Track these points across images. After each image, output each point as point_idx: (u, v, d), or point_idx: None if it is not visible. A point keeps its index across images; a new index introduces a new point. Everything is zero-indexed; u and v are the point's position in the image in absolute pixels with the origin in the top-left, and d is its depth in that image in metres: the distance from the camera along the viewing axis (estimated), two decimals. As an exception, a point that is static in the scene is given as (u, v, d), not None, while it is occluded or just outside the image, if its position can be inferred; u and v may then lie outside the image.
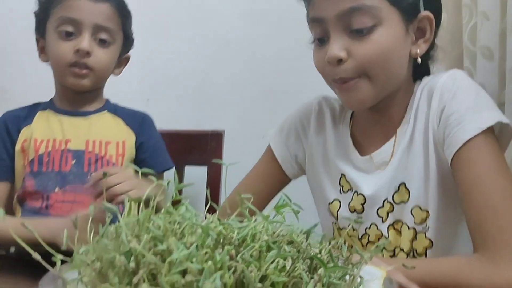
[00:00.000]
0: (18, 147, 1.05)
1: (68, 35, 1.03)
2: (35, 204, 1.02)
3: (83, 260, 0.43)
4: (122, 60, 1.14)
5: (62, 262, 0.46)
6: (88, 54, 1.02)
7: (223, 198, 1.24)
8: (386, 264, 0.56)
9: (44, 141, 1.05)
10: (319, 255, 0.47)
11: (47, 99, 1.16)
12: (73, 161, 1.04)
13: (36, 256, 0.45)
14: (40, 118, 1.09)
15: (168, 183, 0.49)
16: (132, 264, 0.42)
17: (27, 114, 1.10)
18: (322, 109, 0.91)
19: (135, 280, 0.40)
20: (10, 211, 1.18)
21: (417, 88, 0.79)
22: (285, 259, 0.44)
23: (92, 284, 0.44)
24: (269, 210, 0.50)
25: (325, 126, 0.89)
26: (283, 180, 0.94)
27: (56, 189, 1.02)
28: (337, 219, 0.84)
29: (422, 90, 0.78)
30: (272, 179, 0.93)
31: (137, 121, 1.13)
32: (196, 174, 1.31)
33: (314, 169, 0.90)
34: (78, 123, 1.08)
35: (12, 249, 0.82)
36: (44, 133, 1.06)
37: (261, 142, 1.00)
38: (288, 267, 0.42)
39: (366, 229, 0.80)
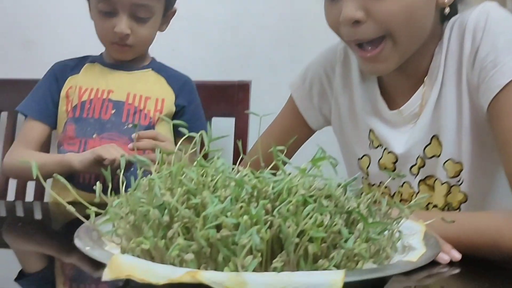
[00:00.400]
0: (63, 93, 1.10)
1: (107, 14, 1.03)
2: (73, 149, 1.06)
3: (117, 213, 0.43)
4: (168, 15, 1.13)
5: (96, 214, 0.46)
6: (127, 35, 1.04)
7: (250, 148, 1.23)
8: (424, 218, 0.54)
9: (88, 89, 1.09)
10: (357, 209, 0.46)
11: (75, 51, 1.17)
12: (113, 111, 1.08)
13: (70, 208, 0.45)
14: (88, 69, 1.13)
15: (200, 135, 0.48)
16: (166, 218, 0.41)
17: (76, 64, 1.14)
18: (348, 56, 0.83)
19: (169, 234, 0.40)
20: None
21: (446, 30, 0.71)
22: (322, 213, 0.42)
23: (126, 237, 0.44)
24: (305, 162, 0.48)
25: (351, 76, 0.82)
26: (307, 132, 0.89)
27: (94, 136, 1.06)
28: (368, 175, 0.81)
29: (451, 31, 0.71)
30: (296, 131, 0.87)
31: (179, 83, 1.15)
32: (223, 126, 1.29)
33: (341, 123, 0.84)
34: (122, 77, 1.12)
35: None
36: (89, 82, 1.10)
37: (289, 92, 0.96)
38: (326, 222, 0.41)
39: (398, 187, 0.77)
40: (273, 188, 0.44)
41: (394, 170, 0.76)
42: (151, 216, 0.41)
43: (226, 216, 0.40)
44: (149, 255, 0.41)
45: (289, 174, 0.51)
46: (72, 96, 1.09)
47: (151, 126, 1.09)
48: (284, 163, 0.51)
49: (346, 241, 0.40)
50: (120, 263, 0.36)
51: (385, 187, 0.78)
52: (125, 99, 1.09)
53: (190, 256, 0.37)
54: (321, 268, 0.39)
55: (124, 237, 0.44)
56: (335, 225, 0.41)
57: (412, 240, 0.48)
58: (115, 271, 0.35)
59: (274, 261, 0.37)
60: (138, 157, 0.41)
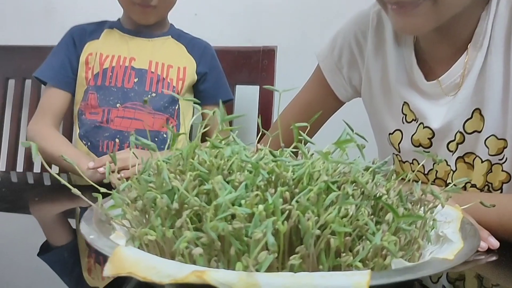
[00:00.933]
0: (82, 59, 1.08)
1: None
2: (96, 118, 1.05)
3: (122, 198, 0.40)
4: None
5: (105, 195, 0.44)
6: None
7: (275, 118, 1.18)
8: (462, 201, 0.49)
9: (110, 56, 1.07)
10: (386, 196, 0.41)
11: (95, 17, 1.14)
12: (136, 79, 1.06)
13: (75, 191, 0.43)
14: (107, 35, 1.10)
15: (214, 113, 0.44)
16: (176, 205, 0.38)
17: (94, 29, 1.11)
18: (382, 22, 0.75)
19: (178, 224, 0.36)
20: (70, 124, 1.21)
21: None
22: (346, 204, 0.38)
23: (135, 222, 0.41)
24: (327, 143, 0.44)
25: (385, 43, 0.74)
26: (336, 104, 0.84)
27: (118, 105, 1.04)
28: (399, 151, 0.75)
29: None
30: (323, 103, 0.82)
31: (199, 50, 1.12)
32: (248, 94, 1.25)
33: (371, 94, 0.78)
34: (143, 44, 1.09)
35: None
36: (110, 49, 1.08)
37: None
38: (351, 213, 0.37)
39: (433, 164, 0.71)
40: (293, 173, 0.39)
41: (430, 146, 0.70)
42: (158, 203, 0.37)
43: (240, 205, 0.37)
44: (158, 245, 0.38)
45: (312, 155, 0.46)
46: (92, 63, 1.07)
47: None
48: (306, 143, 0.47)
49: (373, 233, 0.36)
50: (123, 257, 0.33)
51: (418, 163, 0.72)
52: (148, 67, 1.06)
53: (198, 251, 0.34)
54: (345, 264, 0.35)
55: (133, 222, 0.42)
56: (361, 214, 0.37)
57: (447, 229, 0.43)
58: (116, 267, 0.32)
59: (291, 257, 0.34)
60: (143, 140, 0.38)
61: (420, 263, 0.35)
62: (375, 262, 0.36)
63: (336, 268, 0.36)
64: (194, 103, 0.48)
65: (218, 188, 0.37)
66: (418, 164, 0.72)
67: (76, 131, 1.08)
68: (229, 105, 1.21)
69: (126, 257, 0.33)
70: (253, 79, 1.22)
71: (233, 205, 0.37)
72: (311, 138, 0.82)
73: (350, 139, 0.37)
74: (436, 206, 0.41)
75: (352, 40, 0.79)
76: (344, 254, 0.36)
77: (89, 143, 1.06)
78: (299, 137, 0.46)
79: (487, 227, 0.55)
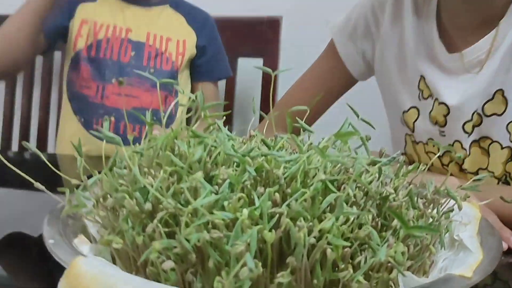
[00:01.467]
0: (77, 22, 1.00)
1: None
2: (89, 93, 1.00)
3: (86, 197, 0.35)
4: None
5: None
6: None
7: (279, 96, 1.12)
8: (480, 195, 0.44)
9: (104, 26, 1.00)
10: (394, 196, 0.35)
11: None
12: (133, 53, 1.00)
13: (38, 185, 0.37)
14: (103, 0, 1.02)
15: (195, 98, 0.38)
16: (149, 205, 0.33)
17: None
18: None
19: (149, 229, 0.31)
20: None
21: None
22: (346, 202, 0.33)
23: (105, 223, 0.36)
24: (330, 128, 0.38)
25: (403, 16, 0.70)
26: (348, 81, 0.79)
27: (113, 80, 0.99)
28: (413, 131, 0.70)
29: None
30: (335, 80, 0.77)
31: (199, 20, 1.06)
32: (251, 67, 1.18)
33: (385, 68, 0.73)
34: (139, 13, 1.02)
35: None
36: (105, 17, 1.01)
37: (325, 29, 0.83)
38: (352, 218, 0.31)
39: (448, 145, 0.65)
40: (285, 169, 0.34)
41: (445, 124, 0.65)
42: (127, 205, 0.32)
43: (223, 207, 0.31)
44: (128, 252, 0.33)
45: (311, 144, 0.41)
46: (87, 33, 0.99)
47: (174, 71, 1.01)
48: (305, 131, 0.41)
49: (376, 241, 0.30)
50: (80, 273, 0.28)
51: (433, 145, 0.67)
52: (145, 39, 1.00)
53: (169, 264, 0.29)
54: (343, 279, 0.30)
55: (104, 221, 0.37)
56: (364, 218, 0.32)
57: (464, 233, 0.38)
58: (72, 285, 0.27)
59: (278, 275, 0.28)
60: (106, 133, 0.32)
61: (433, 283, 0.29)
62: (379, 277, 0.31)
63: (333, 282, 0.31)
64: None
65: (199, 186, 0.32)
66: (433, 145, 0.67)
67: (67, 103, 1.03)
68: (230, 80, 1.15)
69: (83, 272, 0.28)
70: (256, 51, 1.16)
71: (215, 205, 0.32)
72: (318, 118, 0.76)
73: (352, 131, 0.31)
74: (452, 210, 0.36)
75: (369, 11, 0.74)
76: (343, 265, 0.31)
77: (82, 119, 1.01)
78: (297, 124, 0.40)
79: (507, 223, 0.50)
